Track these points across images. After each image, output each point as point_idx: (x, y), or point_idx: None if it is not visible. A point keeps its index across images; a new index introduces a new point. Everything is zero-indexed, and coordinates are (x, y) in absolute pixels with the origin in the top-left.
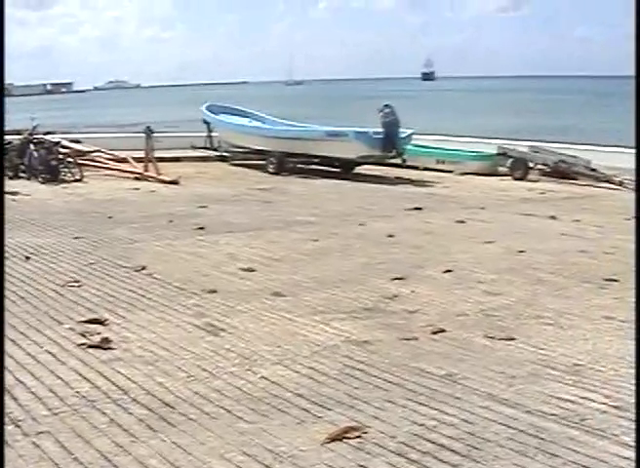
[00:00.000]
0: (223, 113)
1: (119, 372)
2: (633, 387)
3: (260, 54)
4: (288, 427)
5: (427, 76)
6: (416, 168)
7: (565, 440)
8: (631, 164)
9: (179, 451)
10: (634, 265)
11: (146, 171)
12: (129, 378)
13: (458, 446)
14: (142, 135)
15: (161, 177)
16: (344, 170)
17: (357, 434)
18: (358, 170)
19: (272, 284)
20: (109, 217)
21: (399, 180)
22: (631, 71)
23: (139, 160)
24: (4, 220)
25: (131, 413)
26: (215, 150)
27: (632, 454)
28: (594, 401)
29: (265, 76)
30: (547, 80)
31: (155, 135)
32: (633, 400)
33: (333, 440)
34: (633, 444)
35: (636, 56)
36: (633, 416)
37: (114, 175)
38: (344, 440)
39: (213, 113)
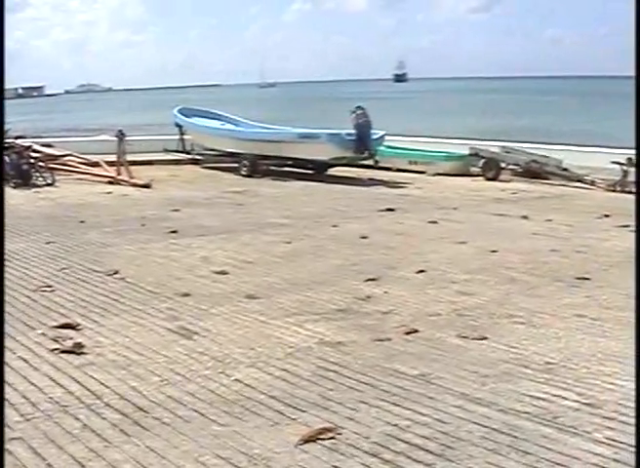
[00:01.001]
0: (196, 116)
1: (92, 377)
2: (605, 384)
3: (233, 56)
4: (262, 429)
5: (400, 78)
6: (388, 169)
7: (538, 438)
8: (602, 163)
9: (152, 455)
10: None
11: (119, 174)
12: (102, 383)
13: (431, 445)
14: (114, 138)
15: (133, 181)
16: (317, 171)
17: (331, 435)
18: (331, 171)
19: (245, 286)
20: (81, 222)
21: (372, 182)
22: (598, 72)
23: (111, 164)
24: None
25: (104, 418)
26: (187, 153)
27: (604, 451)
28: (567, 399)
29: (238, 79)
30: (519, 81)
31: (127, 138)
32: (605, 397)
33: (306, 441)
34: (605, 440)
35: (636, 55)
36: (605, 413)
37: (86, 179)
38: (318, 441)
39: (185, 116)
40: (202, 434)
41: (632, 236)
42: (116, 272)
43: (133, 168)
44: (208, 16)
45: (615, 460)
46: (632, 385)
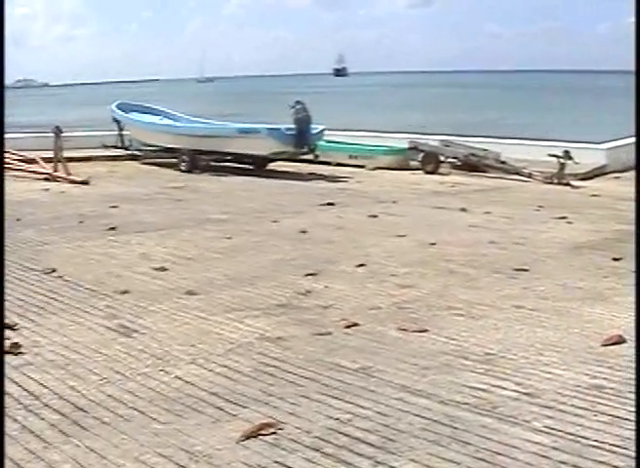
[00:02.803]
0: (134, 111)
1: (30, 378)
2: (543, 374)
3: (172, 51)
4: (203, 426)
5: (339, 72)
6: (328, 163)
7: (478, 428)
8: (539, 156)
9: (92, 456)
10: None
11: (56, 171)
12: (40, 383)
13: (373, 438)
14: (51, 134)
15: (71, 178)
16: (257, 166)
17: (272, 430)
18: (271, 166)
19: (185, 283)
20: (18, 220)
21: (312, 176)
22: (536, 66)
23: (48, 160)
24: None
25: (43, 419)
26: (126, 149)
27: (543, 439)
28: (506, 388)
29: (177, 74)
30: (458, 75)
31: (64, 134)
32: (543, 386)
33: (248, 437)
34: (544, 429)
35: (636, 54)
36: (544, 402)
37: (23, 176)
38: (260, 437)
39: (123, 111)
40: (142, 432)
41: (569, 227)
42: (54, 270)
43: (70, 164)
44: (146, 10)
45: (553, 448)
46: (570, 374)
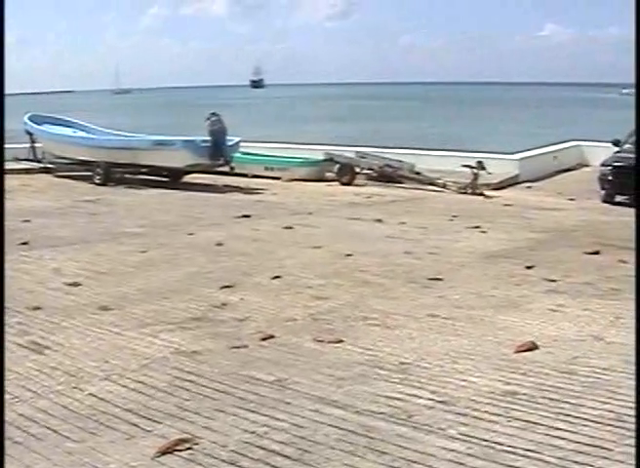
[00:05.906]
0: (47, 123)
1: None
2: (458, 382)
3: (88, 62)
4: (117, 443)
5: (256, 84)
6: (244, 175)
7: (394, 437)
8: (453, 166)
9: None
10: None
11: None
12: None
13: (289, 450)
14: None
15: None
16: (173, 179)
17: (188, 446)
18: (187, 178)
19: (99, 298)
20: None
21: (228, 188)
22: (452, 78)
23: None
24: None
25: None
26: (38, 162)
27: (458, 446)
28: (421, 397)
29: (93, 85)
30: (375, 87)
31: None
32: (458, 394)
33: (163, 453)
34: (459, 436)
35: (636, 59)
36: (459, 410)
37: None
38: (175, 452)
39: (35, 123)
40: (56, 451)
41: (482, 236)
42: None
43: None
44: (61, 20)
45: (468, 455)
46: (484, 382)
